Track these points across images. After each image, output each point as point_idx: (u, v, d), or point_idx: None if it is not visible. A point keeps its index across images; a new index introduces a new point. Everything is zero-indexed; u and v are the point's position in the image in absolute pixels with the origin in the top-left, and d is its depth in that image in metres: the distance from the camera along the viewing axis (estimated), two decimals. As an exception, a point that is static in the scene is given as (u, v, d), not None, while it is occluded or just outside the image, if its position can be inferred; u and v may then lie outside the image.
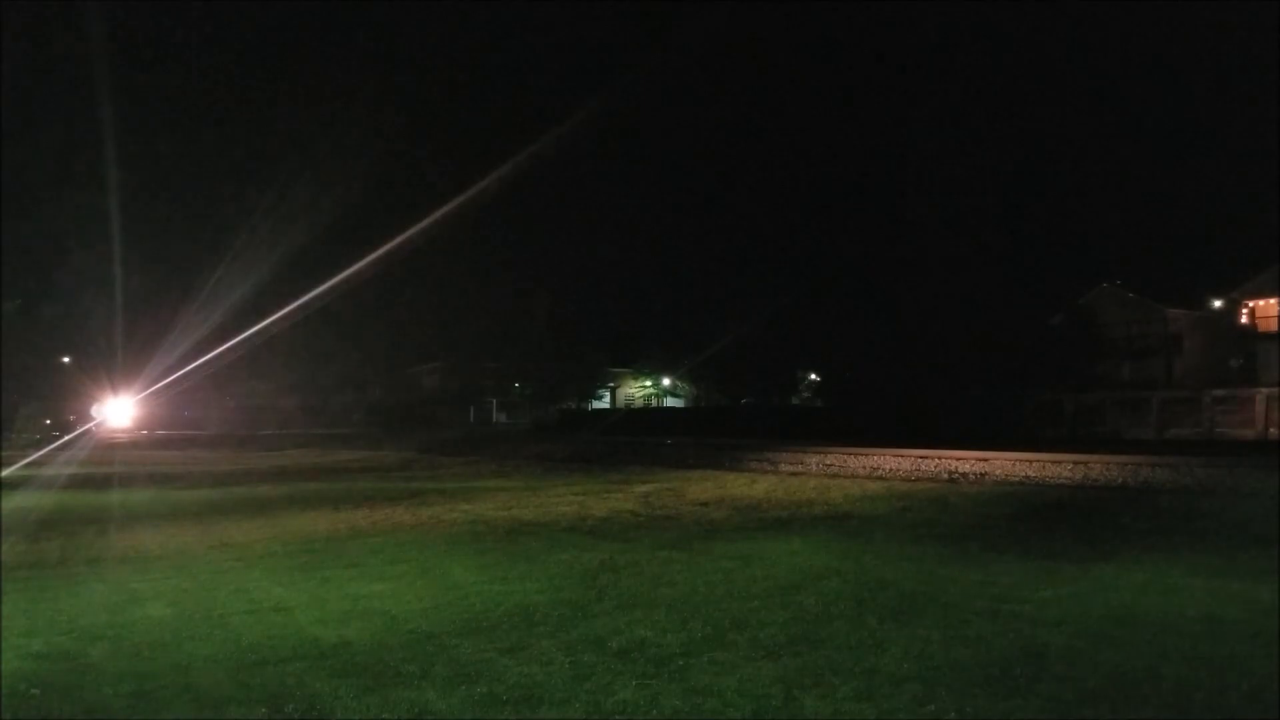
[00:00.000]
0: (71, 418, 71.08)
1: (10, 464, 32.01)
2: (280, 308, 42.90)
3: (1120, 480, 17.76)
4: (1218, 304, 50.78)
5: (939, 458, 21.89)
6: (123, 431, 68.14)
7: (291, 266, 49.46)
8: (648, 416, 57.23)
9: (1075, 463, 19.46)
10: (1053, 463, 19.78)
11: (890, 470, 21.75)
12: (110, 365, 62.95)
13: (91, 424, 65.52)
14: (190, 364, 46.74)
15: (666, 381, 65.43)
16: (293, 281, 48.07)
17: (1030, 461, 20.20)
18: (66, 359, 69.22)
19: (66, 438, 54.10)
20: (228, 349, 43.73)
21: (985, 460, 21.01)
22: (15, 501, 20.52)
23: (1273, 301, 45.73)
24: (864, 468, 22.61)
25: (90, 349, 64.78)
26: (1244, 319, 47.52)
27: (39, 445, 48.66)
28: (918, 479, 20.28)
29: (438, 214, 39.28)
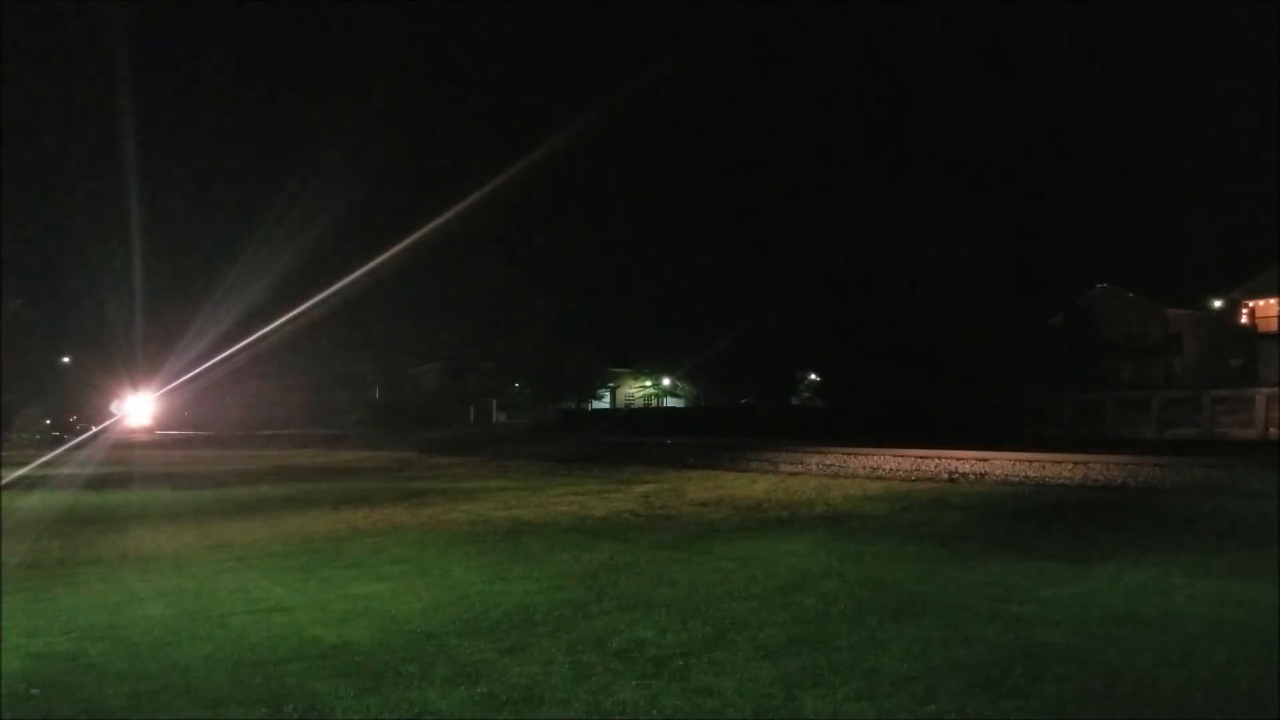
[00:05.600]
0: (72, 418, 71.10)
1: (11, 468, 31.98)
2: (288, 309, 42.96)
3: (1120, 480, 17.75)
4: (1218, 304, 50.75)
5: (939, 458, 21.87)
6: (142, 430, 68.16)
7: (296, 268, 49.47)
8: (648, 416, 57.20)
9: (1075, 463, 19.44)
10: (1053, 463, 19.76)
11: (890, 470, 21.74)
12: (130, 364, 63.00)
13: (104, 424, 65.39)
14: (201, 365, 46.85)
15: (666, 381, 65.42)
16: (298, 283, 48.01)
17: (1030, 461, 20.18)
18: (66, 359, 69.24)
19: (73, 440, 53.83)
20: (236, 350, 43.82)
21: (985, 460, 20.99)
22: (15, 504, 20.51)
23: (1273, 301, 45.72)
24: (864, 468, 22.60)
25: (108, 348, 64.88)
26: (1244, 319, 47.51)
27: (39, 447, 48.58)
28: (918, 479, 20.26)
29: (441, 217, 39.34)
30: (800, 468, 23.75)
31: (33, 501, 20.88)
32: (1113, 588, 8.63)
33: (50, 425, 65.00)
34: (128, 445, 53.54)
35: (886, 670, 6.12)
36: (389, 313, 73.56)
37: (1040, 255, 47.90)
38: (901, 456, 22.74)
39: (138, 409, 71.55)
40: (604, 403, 69.29)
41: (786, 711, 5.43)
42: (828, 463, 23.84)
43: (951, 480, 19.72)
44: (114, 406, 71.64)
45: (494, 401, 75.99)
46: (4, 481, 25.00)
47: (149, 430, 71.83)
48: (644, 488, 20.17)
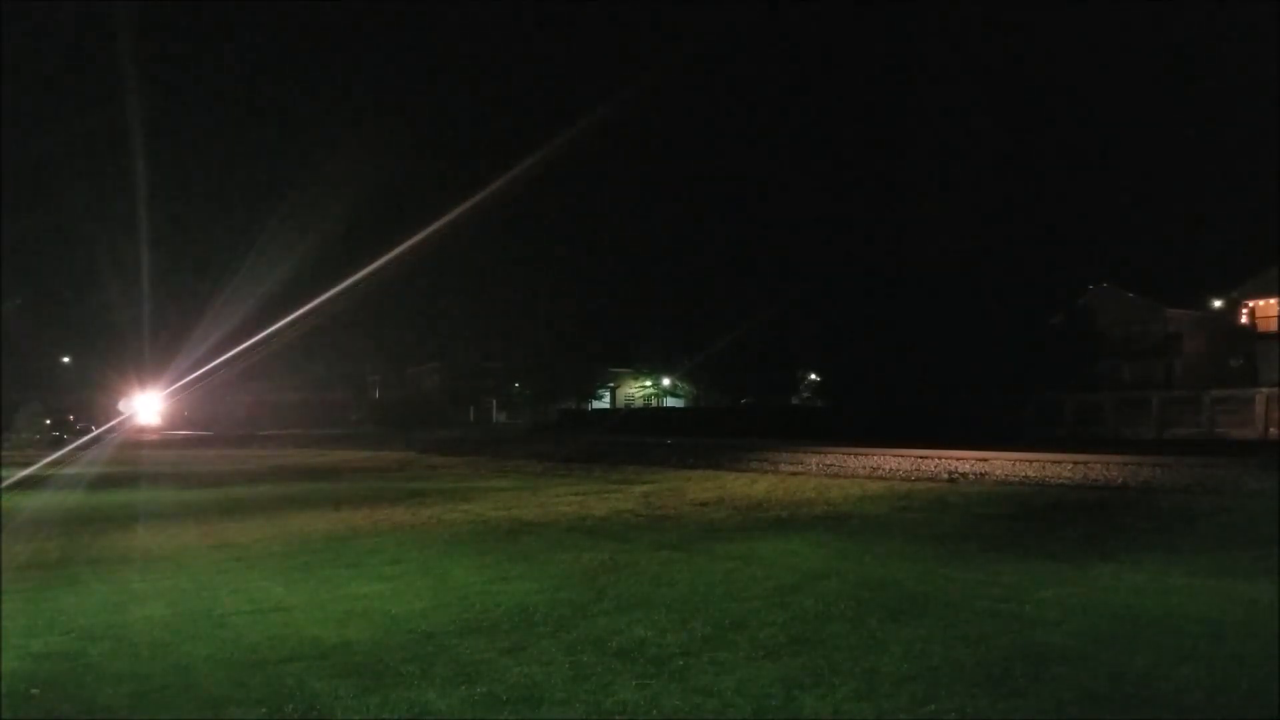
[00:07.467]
0: (72, 418, 71.10)
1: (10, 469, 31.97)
2: (292, 310, 43.02)
3: (1120, 480, 17.76)
4: (1218, 304, 50.80)
5: (939, 458, 21.88)
6: (148, 430, 68.09)
7: (299, 270, 49.60)
8: (648, 416, 57.19)
9: (1075, 463, 19.46)
10: (1053, 463, 19.78)
11: (890, 470, 21.74)
12: (137, 363, 63.05)
13: (108, 423, 65.27)
14: (207, 365, 46.94)
15: (666, 381, 65.39)
16: (301, 285, 48.09)
17: (1030, 461, 20.19)
18: (67, 359, 69.29)
19: (75, 441, 53.65)
20: (241, 351, 43.87)
21: (985, 460, 21.01)
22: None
23: (1273, 301, 45.75)
24: (864, 468, 22.61)
25: (114, 347, 64.94)
26: (1244, 319, 47.54)
27: (38, 448, 48.52)
28: (918, 479, 20.27)
29: (442, 219, 39.37)
30: (800, 468, 23.76)
31: (33, 502, 20.88)
32: (1113, 588, 8.63)
33: (51, 425, 64.95)
34: (130, 445, 53.53)
35: (886, 670, 6.12)
36: (391, 314, 73.70)
37: (1040, 255, 47.75)
38: (901, 456, 22.76)
39: (144, 408, 71.60)
40: (604, 403, 69.29)
41: (786, 711, 5.43)
42: (828, 463, 23.85)
43: (951, 480, 19.72)
44: (121, 405, 71.72)
45: (494, 401, 76.01)
46: (5, 483, 25.00)
47: (155, 430, 71.85)
48: (644, 488, 20.17)
